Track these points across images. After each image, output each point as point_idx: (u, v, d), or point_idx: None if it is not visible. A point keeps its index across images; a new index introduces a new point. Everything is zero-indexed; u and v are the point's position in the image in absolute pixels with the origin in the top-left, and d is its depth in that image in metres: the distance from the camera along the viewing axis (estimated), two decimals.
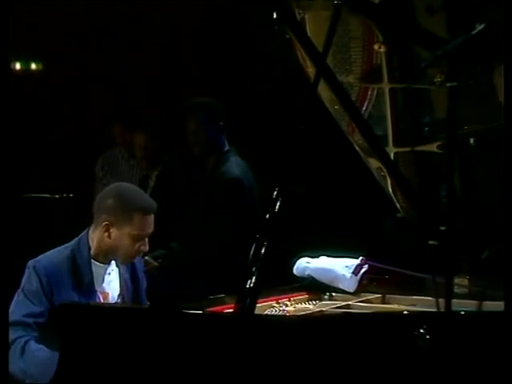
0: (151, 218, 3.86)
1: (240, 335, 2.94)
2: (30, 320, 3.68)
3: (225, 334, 2.97)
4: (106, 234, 3.82)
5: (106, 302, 3.86)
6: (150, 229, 3.86)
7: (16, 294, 3.78)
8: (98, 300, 3.83)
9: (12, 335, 3.62)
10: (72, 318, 3.27)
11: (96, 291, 3.84)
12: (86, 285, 3.80)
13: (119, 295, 3.93)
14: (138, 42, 7.72)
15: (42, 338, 3.67)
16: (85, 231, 3.90)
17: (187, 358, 2.96)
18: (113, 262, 3.93)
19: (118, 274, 3.94)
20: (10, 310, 3.68)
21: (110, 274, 3.92)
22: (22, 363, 3.59)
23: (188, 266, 5.34)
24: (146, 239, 3.86)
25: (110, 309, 3.66)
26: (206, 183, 5.51)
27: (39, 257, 3.83)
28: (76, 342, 3.19)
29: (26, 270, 3.80)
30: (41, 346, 3.61)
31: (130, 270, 4.00)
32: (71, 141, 7.96)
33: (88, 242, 3.86)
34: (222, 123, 5.48)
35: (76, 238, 3.90)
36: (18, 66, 8.91)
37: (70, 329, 3.23)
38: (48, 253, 3.86)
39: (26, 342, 3.63)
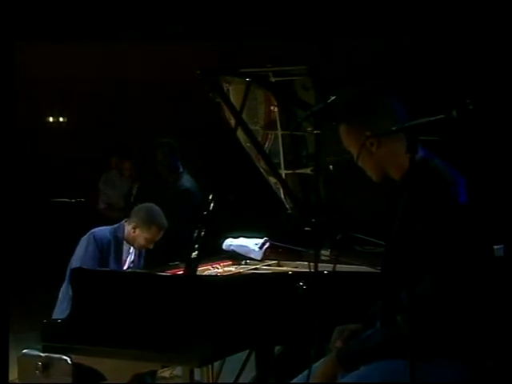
0: (161, 231, 3.91)
1: (188, 288, 2.96)
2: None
3: (179, 287, 2.98)
4: (132, 231, 3.88)
5: (125, 266, 3.94)
6: (158, 238, 3.91)
7: (83, 253, 3.74)
8: (123, 264, 3.91)
9: None
10: (82, 278, 3.25)
11: (122, 258, 3.91)
12: (119, 253, 3.87)
13: (131, 262, 3.97)
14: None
15: None
16: (123, 221, 3.94)
17: (155, 301, 2.96)
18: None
19: (133, 253, 3.98)
20: (82, 263, 3.66)
21: (129, 251, 3.96)
22: None
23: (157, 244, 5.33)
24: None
25: (107, 272, 3.62)
26: (169, 192, 5.48)
27: (95, 229, 3.85)
28: (85, 293, 3.15)
29: (88, 235, 3.79)
30: None
31: (139, 254, 4.04)
32: (85, 165, 7.95)
33: (124, 228, 3.90)
34: (178, 154, 5.49)
35: (118, 224, 3.93)
36: (51, 119, 8.89)
37: (81, 284, 3.18)
38: (100, 228, 3.88)
39: None
